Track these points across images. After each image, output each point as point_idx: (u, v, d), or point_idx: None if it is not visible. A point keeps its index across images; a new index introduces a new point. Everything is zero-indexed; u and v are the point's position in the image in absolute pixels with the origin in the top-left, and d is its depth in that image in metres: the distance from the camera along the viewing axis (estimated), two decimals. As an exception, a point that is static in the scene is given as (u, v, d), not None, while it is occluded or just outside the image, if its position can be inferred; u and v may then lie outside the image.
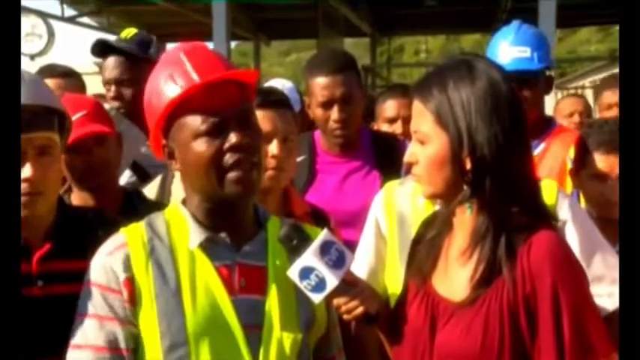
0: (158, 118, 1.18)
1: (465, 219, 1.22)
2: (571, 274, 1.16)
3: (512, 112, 1.18)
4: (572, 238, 1.53)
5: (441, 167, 1.18)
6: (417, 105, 1.22)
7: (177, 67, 1.18)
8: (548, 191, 1.54)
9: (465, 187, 1.18)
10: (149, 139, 1.24)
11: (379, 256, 1.69)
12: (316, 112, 2.04)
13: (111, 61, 2.37)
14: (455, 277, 1.22)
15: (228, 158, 1.15)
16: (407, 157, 1.24)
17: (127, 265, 1.17)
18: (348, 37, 9.28)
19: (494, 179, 1.16)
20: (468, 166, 1.17)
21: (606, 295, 1.53)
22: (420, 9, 8.05)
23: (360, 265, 1.70)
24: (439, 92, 1.18)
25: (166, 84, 1.18)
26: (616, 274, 1.52)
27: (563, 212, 1.53)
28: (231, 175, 1.15)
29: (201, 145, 1.15)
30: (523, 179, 1.19)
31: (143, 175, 2.19)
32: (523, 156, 1.21)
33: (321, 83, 1.99)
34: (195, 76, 1.16)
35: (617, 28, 12.58)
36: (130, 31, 2.44)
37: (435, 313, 1.22)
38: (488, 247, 1.17)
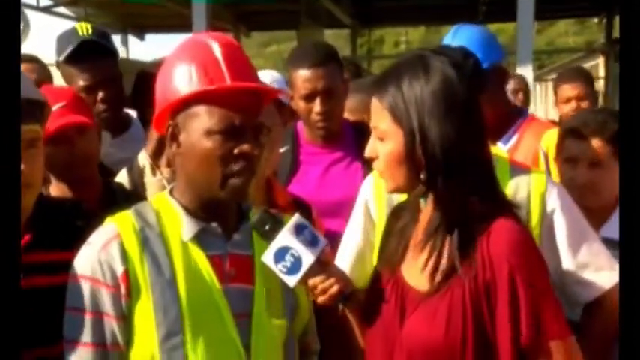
0: (177, 100, 1.18)
1: (426, 211, 1.25)
2: (528, 260, 1.19)
3: (467, 110, 1.20)
4: (560, 226, 1.55)
5: (398, 164, 1.21)
6: (375, 102, 1.24)
7: (211, 64, 1.18)
8: (538, 180, 1.57)
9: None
10: (155, 113, 1.23)
11: (367, 239, 1.69)
12: (299, 105, 2.04)
13: (97, 62, 2.15)
14: (419, 267, 1.25)
15: (235, 165, 1.17)
16: (367, 153, 1.26)
17: (124, 258, 1.17)
18: (328, 29, 9.25)
19: (446, 176, 1.18)
20: (422, 163, 1.19)
21: (589, 282, 1.56)
22: (400, 1, 8.07)
23: (348, 249, 1.71)
24: (395, 91, 1.20)
25: (195, 72, 1.17)
26: (600, 262, 1.57)
27: (552, 200, 1.55)
28: (234, 181, 1.18)
29: (212, 142, 1.16)
30: (478, 173, 1.22)
31: (108, 174, 2.13)
32: (478, 150, 1.23)
33: (303, 76, 1.99)
34: (227, 78, 1.17)
35: (593, 20, 12.77)
36: (86, 26, 2.24)
37: (404, 302, 1.24)
38: (439, 240, 1.20)
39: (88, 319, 1.17)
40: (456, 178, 1.19)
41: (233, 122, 1.16)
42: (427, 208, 1.25)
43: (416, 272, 1.25)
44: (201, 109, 1.16)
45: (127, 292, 1.16)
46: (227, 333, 1.18)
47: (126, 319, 1.17)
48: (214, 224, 1.23)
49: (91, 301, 1.17)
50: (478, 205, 1.20)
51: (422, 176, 1.20)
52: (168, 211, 1.23)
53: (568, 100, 3.49)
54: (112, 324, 1.17)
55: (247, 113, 1.17)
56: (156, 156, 1.98)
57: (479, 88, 1.34)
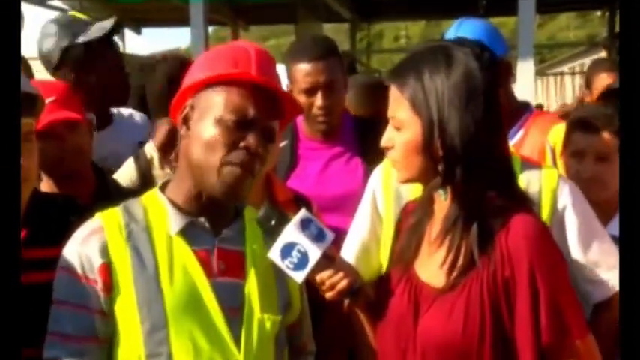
0: (201, 79, 1.19)
1: (442, 205, 1.23)
2: (548, 257, 1.18)
3: (487, 102, 1.19)
4: (571, 223, 1.54)
5: (415, 154, 1.20)
6: (394, 91, 1.23)
7: (241, 53, 1.21)
8: (550, 176, 1.55)
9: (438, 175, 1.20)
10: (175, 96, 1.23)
11: (374, 232, 1.68)
12: (299, 99, 2.00)
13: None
14: (435, 263, 1.23)
15: (236, 155, 1.16)
16: (383, 142, 1.26)
17: (104, 252, 1.18)
18: (327, 23, 9.23)
19: (464, 168, 1.17)
20: (440, 154, 1.18)
21: (600, 281, 1.55)
22: (399, -6, 8.03)
23: (354, 241, 1.70)
24: (415, 80, 1.19)
25: (224, 58, 1.21)
26: (611, 261, 1.55)
27: (564, 197, 1.54)
28: (230, 169, 1.16)
29: (220, 129, 1.16)
30: (497, 166, 1.21)
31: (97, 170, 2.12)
32: (497, 143, 1.22)
33: (303, 69, 1.97)
34: (253, 69, 1.19)
35: (595, 14, 12.75)
36: (85, 16, 2.27)
37: (418, 299, 1.23)
38: (458, 235, 1.19)
39: (70, 311, 1.17)
40: (475, 171, 1.17)
41: (246, 114, 1.16)
42: (443, 202, 1.23)
43: (431, 268, 1.24)
44: (219, 93, 1.17)
45: (105, 287, 1.16)
46: (215, 326, 1.17)
47: (104, 313, 1.17)
48: (202, 219, 1.22)
49: (71, 294, 1.17)
50: (496, 199, 1.19)
51: (440, 168, 1.19)
52: (156, 206, 1.23)
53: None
54: (91, 317, 1.17)
55: (262, 111, 1.17)
56: (166, 149, 1.95)
57: (497, 82, 1.32)
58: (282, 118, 1.24)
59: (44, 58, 2.18)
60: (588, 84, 3.44)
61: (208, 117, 1.17)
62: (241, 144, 1.15)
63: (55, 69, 2.16)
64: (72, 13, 2.30)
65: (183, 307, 1.16)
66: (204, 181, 1.18)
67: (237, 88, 1.16)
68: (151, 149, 1.97)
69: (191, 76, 1.23)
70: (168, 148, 1.93)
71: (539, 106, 7.52)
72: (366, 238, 1.69)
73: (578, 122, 1.82)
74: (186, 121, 1.21)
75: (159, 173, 1.93)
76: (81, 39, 2.13)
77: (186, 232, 1.20)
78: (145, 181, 1.90)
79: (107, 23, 2.18)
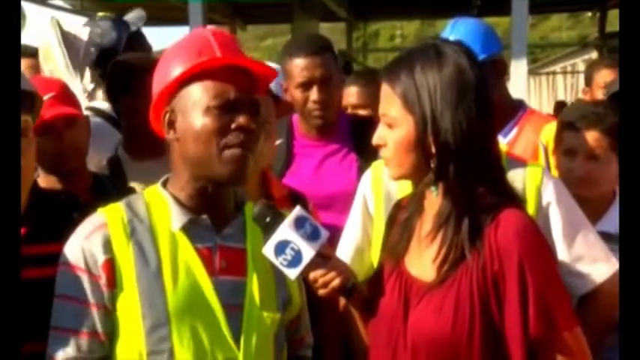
0: (172, 81, 1.19)
1: (433, 201, 1.24)
2: (537, 251, 1.18)
3: (479, 99, 1.19)
4: (556, 218, 1.55)
5: (408, 151, 1.20)
6: (386, 89, 1.24)
7: (201, 43, 1.21)
8: (534, 173, 1.57)
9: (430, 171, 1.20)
10: (151, 106, 1.24)
11: (366, 234, 1.70)
12: (295, 94, 2.02)
13: None
14: (425, 258, 1.24)
15: (233, 137, 1.16)
16: (375, 140, 1.26)
17: (107, 247, 1.17)
18: (323, 22, 9.23)
19: (457, 164, 1.18)
20: (433, 150, 1.18)
21: (585, 274, 1.57)
22: (395, -6, 8.05)
23: (347, 243, 1.71)
24: (407, 77, 1.20)
25: (187, 53, 1.20)
26: (596, 254, 1.57)
27: (548, 193, 1.56)
28: (231, 152, 1.17)
29: (208, 118, 1.16)
30: (488, 162, 1.22)
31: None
32: (488, 139, 1.23)
33: (300, 64, 1.99)
34: (218, 52, 1.19)
35: (586, 14, 12.79)
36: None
37: (408, 294, 1.23)
38: (451, 230, 1.19)
39: (72, 306, 1.18)
40: (467, 167, 1.18)
41: (228, 97, 1.16)
42: (434, 198, 1.24)
43: (421, 263, 1.24)
44: (195, 88, 1.18)
45: (108, 283, 1.17)
46: (216, 324, 1.17)
47: (107, 309, 1.18)
48: (204, 216, 1.22)
49: (74, 289, 1.17)
50: (486, 195, 1.20)
51: (432, 164, 1.19)
52: (159, 202, 1.23)
53: (607, 86, 3.10)
54: (93, 312, 1.17)
55: (242, 88, 1.18)
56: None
57: (487, 79, 1.34)
58: (260, 88, 1.23)
59: (107, 50, 2.30)
60: (588, 82, 3.42)
61: (194, 112, 1.17)
62: (233, 125, 1.16)
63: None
64: (101, 13, 2.41)
65: (185, 306, 1.16)
66: (207, 171, 1.18)
67: (212, 76, 1.17)
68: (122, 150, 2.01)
69: (161, 81, 1.22)
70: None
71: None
72: (359, 239, 1.71)
73: (570, 121, 1.84)
74: (171, 124, 1.20)
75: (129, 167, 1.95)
76: (132, 27, 2.31)
77: (188, 230, 1.20)
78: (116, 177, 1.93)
79: (140, 12, 2.35)
